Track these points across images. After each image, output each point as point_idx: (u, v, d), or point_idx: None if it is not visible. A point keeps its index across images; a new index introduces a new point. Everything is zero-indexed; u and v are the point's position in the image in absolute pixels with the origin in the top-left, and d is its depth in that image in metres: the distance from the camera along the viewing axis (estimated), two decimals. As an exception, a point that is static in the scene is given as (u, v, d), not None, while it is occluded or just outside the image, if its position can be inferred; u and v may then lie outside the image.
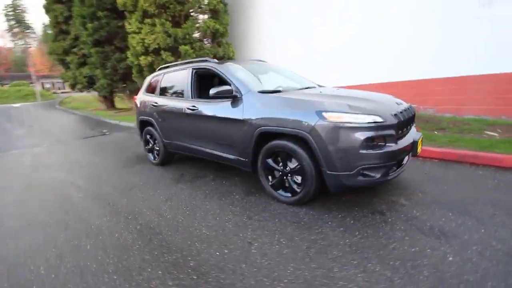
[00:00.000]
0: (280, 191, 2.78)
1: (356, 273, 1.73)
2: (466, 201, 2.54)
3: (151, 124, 4.37)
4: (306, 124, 2.37)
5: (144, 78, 10.25)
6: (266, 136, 2.74)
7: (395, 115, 2.39)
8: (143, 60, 9.26)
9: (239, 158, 3.06)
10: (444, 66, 5.58)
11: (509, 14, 4.69)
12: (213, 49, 9.78)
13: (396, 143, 2.35)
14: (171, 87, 4.07)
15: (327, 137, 2.29)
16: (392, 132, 2.33)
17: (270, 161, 2.77)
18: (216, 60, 3.53)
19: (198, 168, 4.19)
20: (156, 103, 4.17)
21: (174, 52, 9.66)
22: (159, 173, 4.10)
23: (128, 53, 9.82)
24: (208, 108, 3.32)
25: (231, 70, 3.22)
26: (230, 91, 2.94)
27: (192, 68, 3.68)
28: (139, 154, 5.41)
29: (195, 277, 1.80)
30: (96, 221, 2.70)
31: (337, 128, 2.27)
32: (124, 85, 12.50)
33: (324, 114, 2.33)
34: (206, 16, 10.00)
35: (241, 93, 2.94)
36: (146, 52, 9.33)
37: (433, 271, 1.70)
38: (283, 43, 9.30)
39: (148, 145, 4.65)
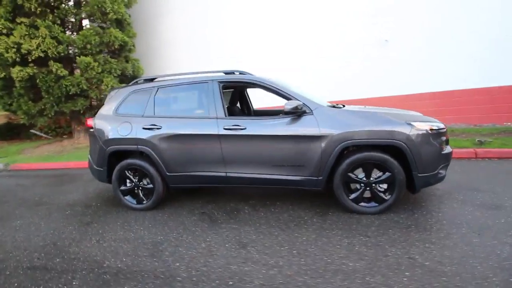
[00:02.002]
0: (363, 203, 2.78)
1: (514, 251, 2.05)
2: (470, 182, 3.43)
3: (142, 155, 3.20)
4: (401, 134, 2.56)
5: (13, 97, 7.19)
6: (345, 150, 2.71)
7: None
8: (18, 73, 6.53)
9: (309, 177, 2.80)
10: (354, 90, 7.28)
11: (396, 52, 6.83)
12: (120, 64, 8.23)
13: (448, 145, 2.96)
14: (180, 104, 3.18)
15: (421, 143, 2.56)
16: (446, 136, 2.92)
17: (351, 174, 2.74)
18: (250, 73, 3.12)
19: (208, 202, 3.39)
20: (154, 125, 3.10)
21: (66, 64, 7.39)
22: (166, 219, 3.01)
23: (-14, 61, 6.61)
24: (262, 126, 2.85)
25: (283, 84, 2.96)
26: (301, 106, 2.71)
27: (218, 81, 3.06)
28: (84, 202, 3.77)
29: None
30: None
31: (426, 135, 2.59)
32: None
33: (413, 123, 2.60)
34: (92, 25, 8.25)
35: (310, 108, 2.76)
36: (22, 62, 6.60)
37: (536, 232, 2.27)
38: (205, 57, 9.02)
39: (125, 184, 3.33)
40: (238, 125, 2.88)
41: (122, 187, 3.34)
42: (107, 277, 2.10)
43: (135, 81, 3.53)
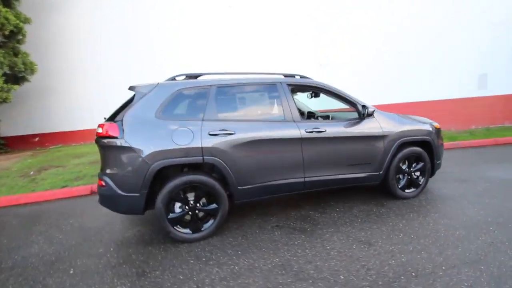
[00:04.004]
0: (407, 190, 3.37)
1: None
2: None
3: (207, 167, 2.61)
4: (429, 131, 3.35)
5: None
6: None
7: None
8: None
9: (373, 173, 3.14)
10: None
11: (335, 72, 8.26)
12: (8, 57, 5.81)
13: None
14: (247, 106, 2.76)
15: (437, 138, 3.44)
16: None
17: (401, 166, 3.29)
18: (310, 77, 3.13)
19: (262, 215, 3.11)
20: (225, 130, 2.54)
21: None
22: (249, 243, 2.55)
23: None
24: (338, 128, 2.97)
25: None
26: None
27: (287, 84, 2.91)
28: (82, 251, 2.63)
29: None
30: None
31: (439, 132, 3.52)
32: None
33: (433, 124, 3.47)
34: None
35: (371, 112, 3.13)
36: None
37: None
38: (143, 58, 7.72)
39: (173, 211, 2.52)
40: (318, 128, 2.88)
41: (171, 215, 2.51)
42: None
43: (172, 77, 2.78)
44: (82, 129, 8.48)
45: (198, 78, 2.88)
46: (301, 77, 3.16)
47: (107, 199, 2.50)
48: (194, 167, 2.70)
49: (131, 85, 2.71)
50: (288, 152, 2.80)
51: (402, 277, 1.96)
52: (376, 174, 3.18)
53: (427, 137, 3.36)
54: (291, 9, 8.03)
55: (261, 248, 2.45)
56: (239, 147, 2.62)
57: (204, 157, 2.51)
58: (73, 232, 2.99)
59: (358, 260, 2.18)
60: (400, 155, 3.24)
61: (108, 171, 2.47)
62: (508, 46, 7.81)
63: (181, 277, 2.09)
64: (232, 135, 2.60)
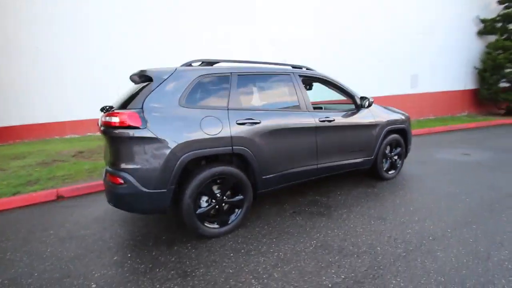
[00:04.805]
0: (390, 172, 3.86)
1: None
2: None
3: (227, 158, 2.46)
4: (405, 120, 3.91)
5: None
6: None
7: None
8: None
9: (366, 158, 3.51)
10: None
11: None
12: None
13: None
14: (265, 95, 2.72)
15: (409, 126, 4.04)
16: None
17: (385, 151, 3.75)
18: (315, 69, 3.26)
19: (274, 203, 3.19)
20: (251, 119, 2.47)
21: None
22: (279, 231, 2.59)
23: None
24: (342, 117, 3.20)
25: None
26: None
27: (299, 75, 2.98)
28: (92, 265, 2.26)
29: None
30: None
31: (409, 120, 4.11)
32: None
33: (405, 114, 4.03)
34: None
35: (371, 103, 3.46)
36: None
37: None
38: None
39: (200, 205, 2.37)
40: (328, 117, 3.06)
41: (200, 210, 2.35)
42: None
43: (188, 62, 2.55)
44: (10, 125, 7.00)
45: (214, 65, 2.74)
46: (307, 69, 3.29)
47: (126, 199, 2.18)
48: (214, 159, 2.57)
49: (142, 69, 2.41)
50: (306, 140, 2.92)
51: (424, 241, 2.30)
52: (369, 159, 3.56)
53: (404, 125, 3.92)
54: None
55: (292, 233, 2.52)
56: (265, 136, 2.61)
57: (233, 147, 2.42)
58: (63, 243, 2.51)
59: (383, 233, 2.45)
60: (385, 141, 3.70)
61: (126, 166, 2.16)
62: (430, 52, 9.51)
63: (231, 271, 2.01)
64: (258, 124, 2.57)
